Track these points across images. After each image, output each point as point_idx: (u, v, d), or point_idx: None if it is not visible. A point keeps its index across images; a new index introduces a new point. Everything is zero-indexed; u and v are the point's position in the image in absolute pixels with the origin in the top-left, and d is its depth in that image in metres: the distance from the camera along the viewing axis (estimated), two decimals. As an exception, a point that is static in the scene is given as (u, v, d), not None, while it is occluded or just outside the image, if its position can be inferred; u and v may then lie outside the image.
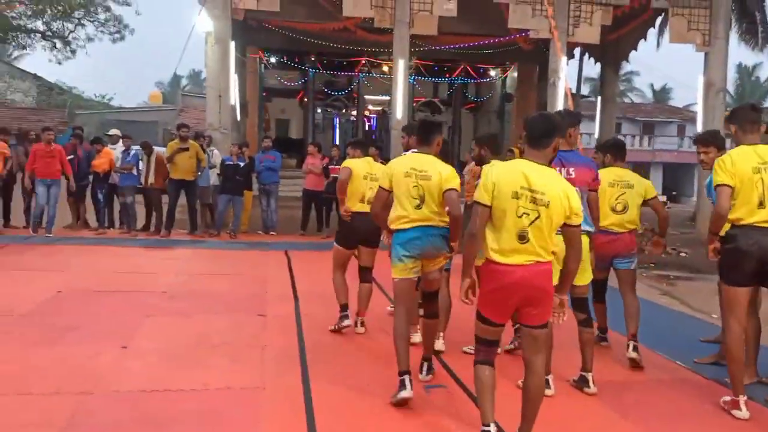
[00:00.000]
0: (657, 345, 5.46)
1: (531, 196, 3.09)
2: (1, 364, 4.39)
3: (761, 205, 3.92)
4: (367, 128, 24.46)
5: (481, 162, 5.14)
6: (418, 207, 4.11)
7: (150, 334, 5.33)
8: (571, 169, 3.88)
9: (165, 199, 10.85)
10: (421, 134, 4.31)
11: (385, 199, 4.25)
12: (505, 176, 3.16)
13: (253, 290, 7.09)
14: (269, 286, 7.32)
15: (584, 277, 4.25)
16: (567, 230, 3.20)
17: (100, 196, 11.18)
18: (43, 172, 10.12)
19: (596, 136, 18.28)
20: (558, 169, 3.65)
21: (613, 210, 4.95)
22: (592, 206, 4.13)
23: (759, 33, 20.48)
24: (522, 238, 3.11)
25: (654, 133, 38.29)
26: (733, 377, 4.03)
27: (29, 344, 4.86)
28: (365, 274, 5.50)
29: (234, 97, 13.22)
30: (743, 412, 3.91)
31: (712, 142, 4.75)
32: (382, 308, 6.09)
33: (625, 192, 4.98)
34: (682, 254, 10.25)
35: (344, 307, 5.50)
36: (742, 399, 3.95)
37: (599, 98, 18.47)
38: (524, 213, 3.10)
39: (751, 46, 21.05)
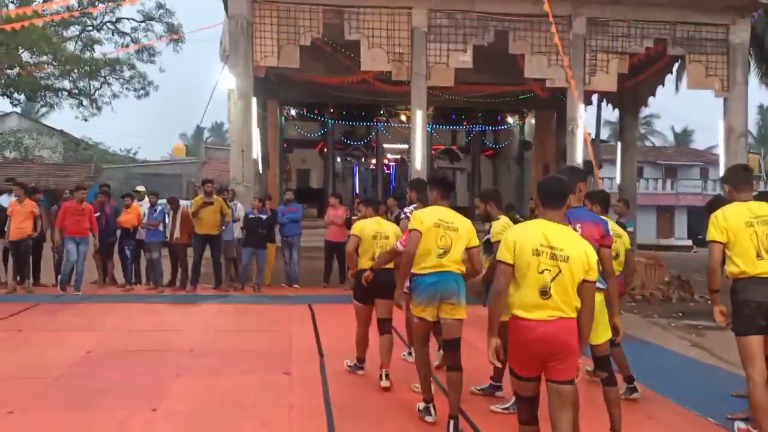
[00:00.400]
0: (687, 400, 5.35)
1: (551, 253, 3.24)
2: (33, 430, 4.43)
3: (759, 256, 4.13)
4: (386, 176, 24.67)
5: (487, 218, 5.27)
6: (441, 256, 4.52)
7: (179, 395, 5.35)
8: (577, 226, 3.91)
9: (190, 253, 11.00)
10: (441, 190, 4.75)
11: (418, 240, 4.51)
12: (525, 234, 3.34)
13: (279, 347, 7.09)
14: (294, 342, 7.32)
15: (603, 334, 4.22)
16: (582, 286, 3.30)
17: (127, 252, 11.37)
18: (73, 229, 10.36)
19: (618, 180, 18.27)
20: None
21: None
22: (605, 262, 4.12)
23: (779, 76, 20.51)
24: (544, 293, 3.23)
25: (677, 177, 38.12)
26: (762, 429, 4.00)
27: (61, 409, 4.91)
28: (384, 325, 5.60)
29: (256, 151, 13.50)
30: None
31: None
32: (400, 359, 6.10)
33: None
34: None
35: (360, 360, 5.87)
36: None
37: (619, 143, 18.51)
38: (545, 269, 3.24)
39: (771, 88, 21.07)
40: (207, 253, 10.93)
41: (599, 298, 4.01)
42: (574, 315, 3.29)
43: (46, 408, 4.94)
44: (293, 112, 20.20)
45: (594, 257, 3.34)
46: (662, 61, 14.37)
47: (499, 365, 3.42)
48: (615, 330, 4.17)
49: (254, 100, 12.89)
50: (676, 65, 15.75)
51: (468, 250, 4.56)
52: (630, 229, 9.41)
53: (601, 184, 13.88)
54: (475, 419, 4.77)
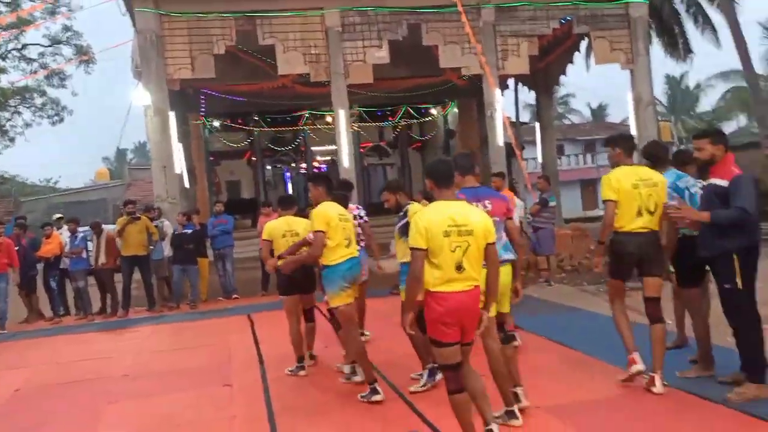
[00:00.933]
0: (616, 358, 5.56)
1: (458, 231, 3.53)
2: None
3: (639, 214, 4.68)
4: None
5: (399, 208, 5.54)
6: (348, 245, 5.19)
7: (113, 421, 5.19)
8: (486, 202, 4.24)
9: (118, 278, 10.65)
10: (326, 187, 5.34)
11: None
12: (433, 219, 3.56)
13: (218, 360, 6.97)
14: (233, 354, 7.20)
15: (505, 306, 4.44)
16: (487, 249, 3.63)
17: (53, 283, 10.91)
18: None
19: (539, 160, 18.79)
20: (474, 203, 3.98)
21: None
22: (513, 233, 4.52)
23: (680, 44, 21.54)
24: (459, 268, 3.53)
25: (596, 150, 39.54)
26: (625, 340, 4.87)
27: (-14, 451, 4.68)
28: (309, 314, 6.12)
29: (180, 166, 13.18)
30: (638, 365, 4.71)
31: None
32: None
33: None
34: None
35: (300, 360, 5.93)
36: (635, 354, 4.75)
37: (537, 124, 19.05)
38: (457, 246, 3.52)
39: (675, 58, 22.11)
40: (137, 275, 10.61)
41: (508, 269, 4.29)
42: (480, 283, 3.64)
43: (-30, 453, 4.70)
44: (216, 123, 19.82)
45: (489, 222, 3.68)
46: (570, 41, 14.87)
47: (413, 333, 3.77)
48: (516, 292, 4.48)
49: (172, 115, 12.57)
50: (584, 43, 16.34)
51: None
52: (552, 204, 9.75)
53: (523, 166, 14.28)
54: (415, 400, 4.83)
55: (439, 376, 4.96)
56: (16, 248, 10.36)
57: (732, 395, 4.29)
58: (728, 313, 4.47)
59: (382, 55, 12.70)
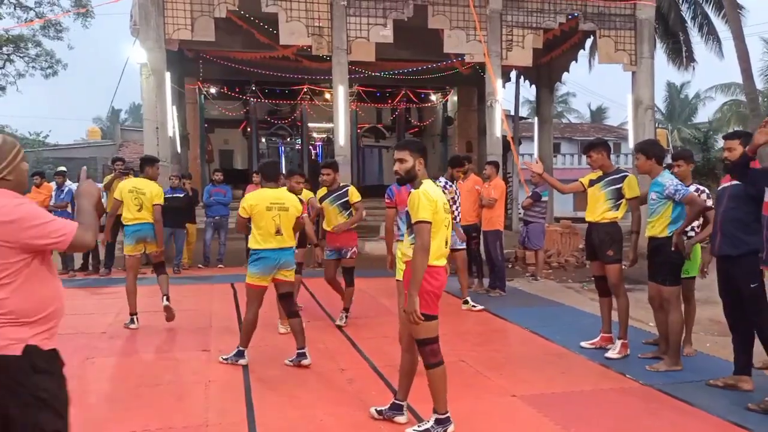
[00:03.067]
0: (595, 354, 5.63)
1: (445, 207, 3.80)
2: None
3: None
4: (313, 156, 24.43)
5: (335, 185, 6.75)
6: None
7: (89, 377, 5.14)
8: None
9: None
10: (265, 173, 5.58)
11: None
12: (436, 192, 3.76)
13: (198, 325, 6.93)
14: (214, 320, 7.17)
15: None
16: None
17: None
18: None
19: (535, 155, 18.79)
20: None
21: None
22: None
23: (683, 52, 21.52)
24: (446, 244, 3.83)
25: (591, 152, 39.59)
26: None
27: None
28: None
29: (172, 129, 13.02)
30: None
31: (639, 149, 5.42)
32: (317, 333, 6.10)
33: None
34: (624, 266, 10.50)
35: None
36: None
37: (536, 118, 19.03)
38: (449, 223, 3.85)
39: (677, 65, 22.08)
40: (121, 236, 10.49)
41: None
42: None
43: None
44: (213, 90, 19.60)
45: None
46: (575, 37, 14.81)
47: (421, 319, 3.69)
48: None
49: (168, 76, 12.38)
50: (589, 42, 16.28)
51: (299, 218, 5.44)
52: (545, 198, 9.75)
53: (519, 160, 14.25)
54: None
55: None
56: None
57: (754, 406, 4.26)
58: (751, 312, 4.49)
59: (387, 33, 12.55)
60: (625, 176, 5.66)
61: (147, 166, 7.11)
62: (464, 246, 7.95)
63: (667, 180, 5.13)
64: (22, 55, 27.17)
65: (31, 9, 27.82)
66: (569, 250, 12.06)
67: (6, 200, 2.40)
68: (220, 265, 11.27)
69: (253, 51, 14.81)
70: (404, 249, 3.97)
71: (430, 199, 3.65)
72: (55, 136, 56.22)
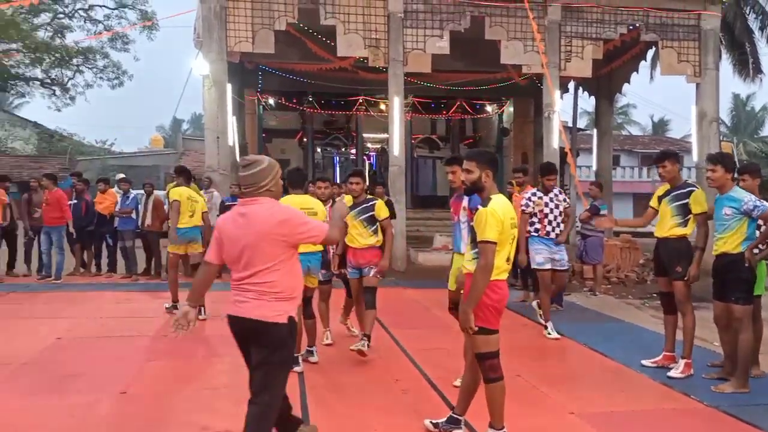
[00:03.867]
0: (658, 373, 5.45)
1: (512, 223, 3.73)
2: (1, 415, 4.35)
3: None
4: (367, 166, 24.60)
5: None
6: None
7: (149, 378, 5.30)
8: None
9: (164, 242, 10.86)
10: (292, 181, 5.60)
11: None
12: (504, 209, 3.70)
13: (254, 331, 7.05)
14: (270, 327, 7.27)
15: None
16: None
17: (109, 239, 11.21)
18: (45, 218, 10.20)
19: (594, 168, 18.43)
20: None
21: None
22: None
23: (750, 64, 20.76)
24: (508, 260, 3.78)
25: (653, 165, 38.43)
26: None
27: (28, 393, 4.83)
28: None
29: (232, 138, 13.36)
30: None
31: (719, 161, 5.18)
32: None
33: None
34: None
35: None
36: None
37: (595, 130, 18.65)
38: (513, 238, 3.77)
39: (743, 76, 21.32)
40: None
41: None
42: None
43: (12, 393, 4.85)
44: (271, 101, 20.02)
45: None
46: (636, 48, 14.47)
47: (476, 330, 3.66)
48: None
49: (229, 87, 12.73)
50: (651, 52, 15.87)
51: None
52: (604, 212, 9.53)
53: (576, 173, 13.99)
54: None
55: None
56: (75, 202, 10.73)
57: None
58: None
59: (443, 45, 12.57)
60: (692, 191, 5.45)
61: (186, 175, 8.04)
62: (569, 266, 7.43)
63: (745, 195, 4.96)
64: (90, 66, 28.41)
65: (100, 22, 29.11)
66: (629, 265, 11.73)
67: (277, 205, 3.25)
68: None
69: (311, 62, 15.06)
70: (465, 262, 3.94)
71: (497, 219, 3.61)
72: (120, 145, 58.28)
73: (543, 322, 7.07)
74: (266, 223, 3.14)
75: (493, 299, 3.68)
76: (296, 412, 4.40)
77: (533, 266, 7.17)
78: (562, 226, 7.10)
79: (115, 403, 4.62)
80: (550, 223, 7.07)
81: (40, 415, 4.36)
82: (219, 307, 8.40)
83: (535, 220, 7.11)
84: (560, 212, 7.10)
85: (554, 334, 6.86)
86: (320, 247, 5.53)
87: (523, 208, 7.13)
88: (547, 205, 7.09)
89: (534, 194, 7.21)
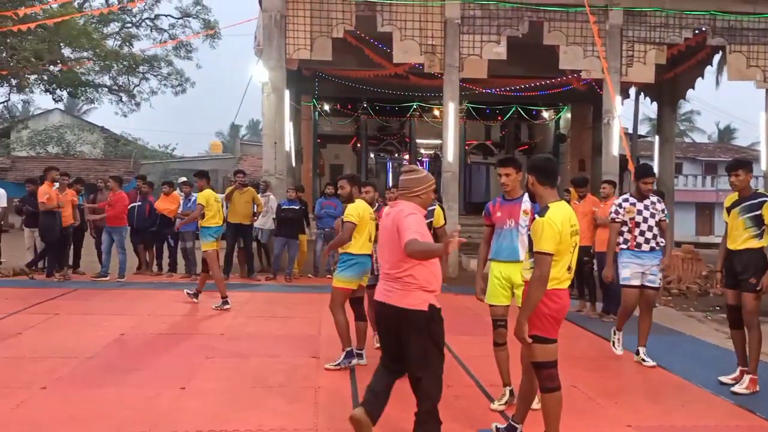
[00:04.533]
0: (721, 389, 5.25)
1: (572, 231, 3.65)
2: (66, 406, 4.55)
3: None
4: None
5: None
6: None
7: (208, 375, 5.44)
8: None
9: (221, 244, 11.14)
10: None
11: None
12: (563, 218, 3.59)
13: (308, 332, 7.16)
14: (323, 328, 7.35)
15: None
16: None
17: (171, 240, 11.59)
18: (108, 219, 10.62)
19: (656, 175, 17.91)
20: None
21: None
22: None
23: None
24: (569, 269, 3.68)
25: (717, 173, 37.07)
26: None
27: (91, 386, 5.03)
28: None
29: (289, 144, 13.61)
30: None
31: (741, 166, 5.34)
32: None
33: None
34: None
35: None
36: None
37: (657, 137, 18.14)
38: (575, 246, 3.69)
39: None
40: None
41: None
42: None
43: (76, 385, 5.07)
44: (327, 107, 20.31)
45: None
46: (702, 52, 14.03)
47: (530, 342, 3.61)
48: None
49: (287, 94, 12.99)
50: (717, 57, 15.34)
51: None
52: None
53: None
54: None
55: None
56: (139, 203, 11.17)
57: None
58: None
59: (500, 51, 12.49)
60: (764, 201, 5.19)
61: (205, 178, 8.82)
62: (659, 285, 6.50)
63: None
64: (155, 73, 29.49)
65: (165, 31, 30.20)
66: (691, 276, 11.34)
67: (408, 209, 3.62)
68: (329, 275, 11.56)
69: (366, 69, 15.21)
70: (523, 270, 3.91)
71: (555, 229, 3.51)
72: (181, 149, 60.14)
73: (615, 341, 6.48)
74: (394, 224, 3.59)
75: (552, 308, 3.61)
76: (348, 414, 4.45)
77: (620, 282, 6.25)
78: (659, 239, 6.06)
79: (175, 398, 4.77)
80: (642, 233, 6.03)
81: (102, 406, 4.54)
82: (273, 308, 8.58)
83: (624, 229, 6.15)
84: (656, 223, 6.03)
85: (650, 362, 6.15)
86: (369, 250, 5.72)
87: (613, 216, 6.22)
88: (640, 213, 6.04)
89: (626, 200, 6.18)
